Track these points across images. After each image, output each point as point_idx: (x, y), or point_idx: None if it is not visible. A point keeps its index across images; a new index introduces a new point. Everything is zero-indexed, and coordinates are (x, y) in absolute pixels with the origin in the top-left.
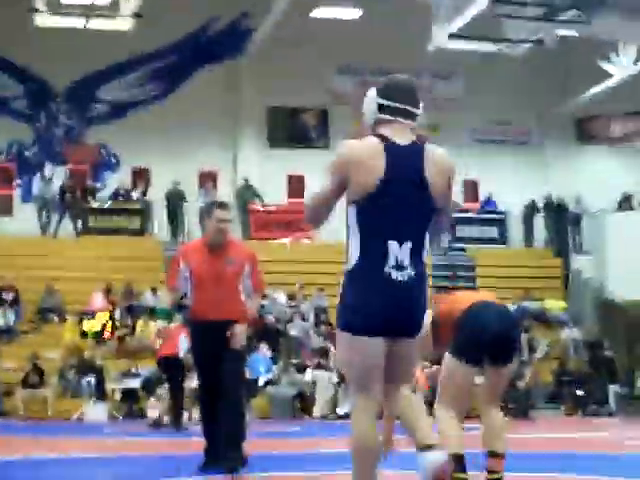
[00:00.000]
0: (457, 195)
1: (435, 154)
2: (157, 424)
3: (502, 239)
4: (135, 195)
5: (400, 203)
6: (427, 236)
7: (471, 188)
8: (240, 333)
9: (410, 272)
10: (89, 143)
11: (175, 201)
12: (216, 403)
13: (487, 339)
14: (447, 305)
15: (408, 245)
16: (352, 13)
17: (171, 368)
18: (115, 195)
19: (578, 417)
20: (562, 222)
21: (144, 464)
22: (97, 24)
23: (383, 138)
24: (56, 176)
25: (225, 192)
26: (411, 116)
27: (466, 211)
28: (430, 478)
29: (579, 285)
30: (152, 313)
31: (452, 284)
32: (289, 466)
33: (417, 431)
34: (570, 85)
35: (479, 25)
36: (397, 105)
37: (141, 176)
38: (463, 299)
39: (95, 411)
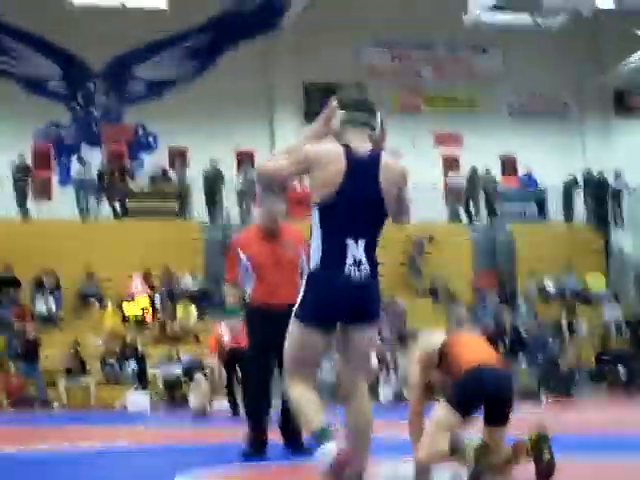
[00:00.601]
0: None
1: (388, 162)
2: (201, 413)
3: (541, 215)
4: (173, 176)
5: (357, 206)
6: (379, 235)
7: (509, 163)
8: None
9: (366, 268)
10: (126, 123)
11: (213, 182)
12: (267, 391)
13: (484, 401)
14: (457, 352)
15: (363, 245)
16: None
17: (240, 360)
18: (153, 177)
19: (621, 396)
20: (602, 197)
21: (186, 453)
22: (133, 2)
23: (345, 145)
24: (93, 157)
25: None
26: (369, 126)
27: (504, 187)
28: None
29: (620, 261)
30: (191, 298)
31: None
32: None
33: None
34: (607, 56)
35: None
36: (356, 117)
37: (178, 156)
38: (471, 356)
39: (137, 399)
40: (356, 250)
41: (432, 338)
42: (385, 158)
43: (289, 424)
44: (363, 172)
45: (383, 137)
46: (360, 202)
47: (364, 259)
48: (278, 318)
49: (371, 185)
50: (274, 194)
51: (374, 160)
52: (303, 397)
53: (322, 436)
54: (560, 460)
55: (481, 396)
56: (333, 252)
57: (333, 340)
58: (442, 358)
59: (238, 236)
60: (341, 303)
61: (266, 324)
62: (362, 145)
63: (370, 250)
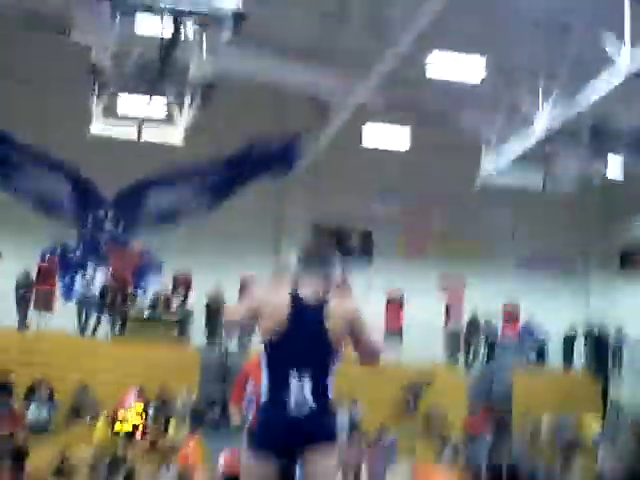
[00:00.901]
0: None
1: (334, 305)
2: None
3: (540, 363)
4: (175, 303)
5: (300, 349)
6: (331, 372)
7: (512, 312)
8: None
9: (311, 405)
10: (133, 248)
11: (215, 309)
12: None
13: None
14: None
15: (309, 381)
16: (402, 142)
17: None
18: (154, 303)
19: None
20: (602, 349)
21: None
22: (150, 135)
23: (294, 290)
24: (98, 279)
25: None
26: (321, 271)
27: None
28: None
29: (617, 412)
30: (184, 417)
31: None
32: None
33: None
34: (615, 217)
35: (528, 161)
36: (309, 263)
37: (182, 284)
38: None
39: None
40: (300, 388)
41: (397, 475)
42: (333, 303)
43: None
44: (307, 318)
45: (344, 281)
46: (303, 346)
47: (308, 396)
48: None
49: (314, 330)
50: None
51: (321, 306)
52: None
53: None
54: None
55: None
56: (277, 390)
57: (282, 471)
58: None
59: (250, 364)
60: (282, 436)
61: None
62: (311, 290)
63: (318, 388)
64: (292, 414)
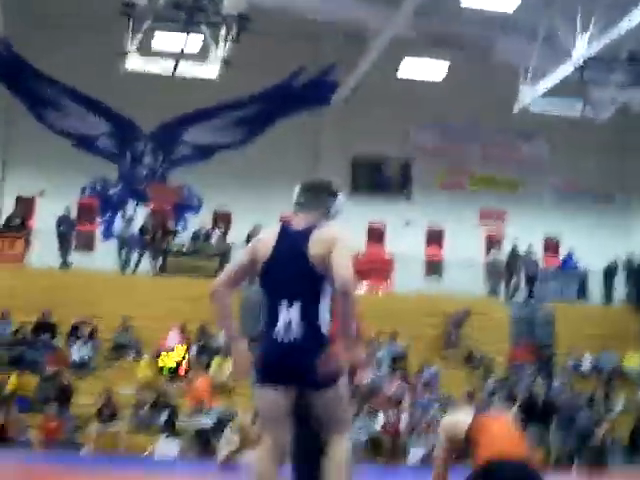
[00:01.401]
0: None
1: (319, 232)
2: (227, 462)
3: (582, 295)
4: (215, 237)
5: (286, 274)
6: (321, 301)
7: (552, 244)
8: None
9: (298, 332)
10: (172, 183)
11: None
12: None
13: None
14: (483, 439)
15: (297, 309)
16: (438, 72)
17: None
18: (195, 237)
19: None
20: None
21: None
22: (186, 70)
23: (283, 222)
24: (138, 215)
25: None
26: (315, 207)
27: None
28: None
29: None
30: (226, 353)
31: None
32: None
33: None
34: None
35: (565, 88)
36: (304, 200)
37: (222, 218)
38: (494, 446)
39: (167, 447)
40: (287, 314)
41: (458, 422)
42: (319, 230)
43: None
44: (292, 244)
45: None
46: (288, 271)
47: (296, 322)
48: None
49: (299, 255)
50: None
51: (305, 233)
52: (259, 467)
53: None
54: None
55: None
56: (268, 316)
57: (289, 403)
58: (467, 443)
59: None
60: (273, 362)
61: None
62: (302, 223)
63: (307, 314)
64: (278, 341)
